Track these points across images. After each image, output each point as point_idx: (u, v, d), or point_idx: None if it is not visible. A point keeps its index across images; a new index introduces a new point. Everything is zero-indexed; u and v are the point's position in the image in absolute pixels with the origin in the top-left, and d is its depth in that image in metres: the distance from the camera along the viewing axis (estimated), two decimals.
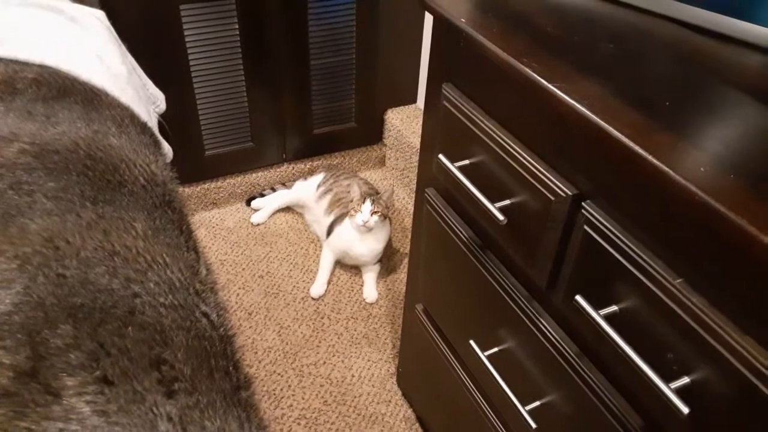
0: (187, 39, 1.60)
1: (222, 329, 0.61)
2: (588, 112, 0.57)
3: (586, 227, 0.62)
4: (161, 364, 0.51)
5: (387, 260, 1.74)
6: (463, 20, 0.74)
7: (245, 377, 0.59)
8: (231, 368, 0.58)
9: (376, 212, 1.56)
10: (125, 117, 0.85)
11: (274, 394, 1.39)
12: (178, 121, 1.69)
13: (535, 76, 0.63)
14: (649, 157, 0.51)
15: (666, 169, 0.50)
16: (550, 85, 0.61)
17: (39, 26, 0.96)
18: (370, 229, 1.58)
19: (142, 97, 1.07)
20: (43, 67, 0.85)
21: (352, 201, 1.60)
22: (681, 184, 0.49)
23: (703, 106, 0.58)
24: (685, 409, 0.52)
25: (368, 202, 1.56)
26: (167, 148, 1.10)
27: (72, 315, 0.51)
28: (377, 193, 1.69)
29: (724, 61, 0.66)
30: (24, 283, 0.52)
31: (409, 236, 1.36)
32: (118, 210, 0.64)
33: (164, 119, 1.22)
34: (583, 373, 0.69)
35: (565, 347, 0.71)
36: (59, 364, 0.47)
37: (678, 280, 0.53)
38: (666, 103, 0.58)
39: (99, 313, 0.52)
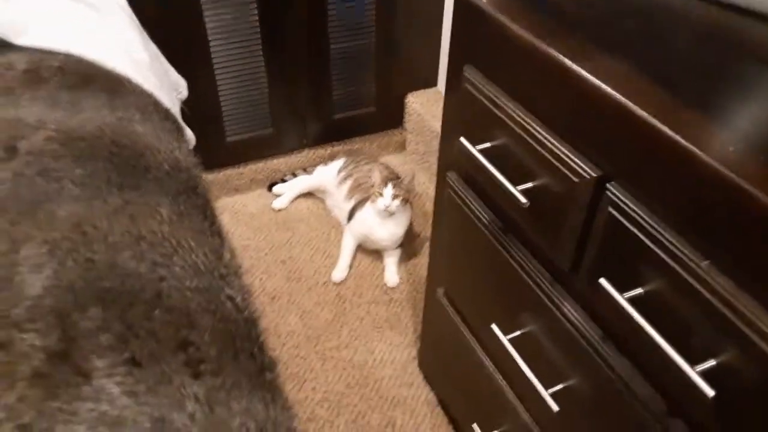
0: (207, 25, 1.60)
1: (246, 312, 0.61)
2: (612, 91, 0.56)
3: (610, 209, 0.61)
4: (188, 346, 0.52)
5: (408, 244, 1.74)
6: (485, 0, 0.73)
7: (269, 359, 0.60)
8: (256, 350, 0.59)
9: (397, 196, 1.56)
10: (149, 104, 0.86)
11: (297, 376, 1.40)
12: (200, 107, 1.70)
13: (558, 55, 0.62)
14: (676, 137, 0.50)
15: (693, 148, 0.49)
16: (573, 65, 0.60)
17: (61, 14, 0.97)
18: (392, 214, 1.58)
19: (165, 84, 1.08)
20: (67, 56, 0.86)
21: (373, 186, 1.60)
22: (709, 164, 0.48)
23: (731, 84, 0.57)
24: (711, 393, 0.52)
25: (390, 186, 1.56)
26: (190, 134, 1.11)
27: (101, 298, 0.52)
28: (398, 177, 1.69)
29: (752, 37, 0.64)
30: (54, 267, 0.53)
31: (430, 220, 1.36)
32: (143, 195, 0.65)
33: (186, 106, 1.23)
34: (606, 357, 0.68)
35: (589, 330, 0.71)
36: (89, 346, 0.48)
37: (705, 262, 0.53)
38: (692, 81, 0.57)
39: (127, 296, 0.53)
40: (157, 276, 0.56)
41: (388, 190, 1.56)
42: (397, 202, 1.56)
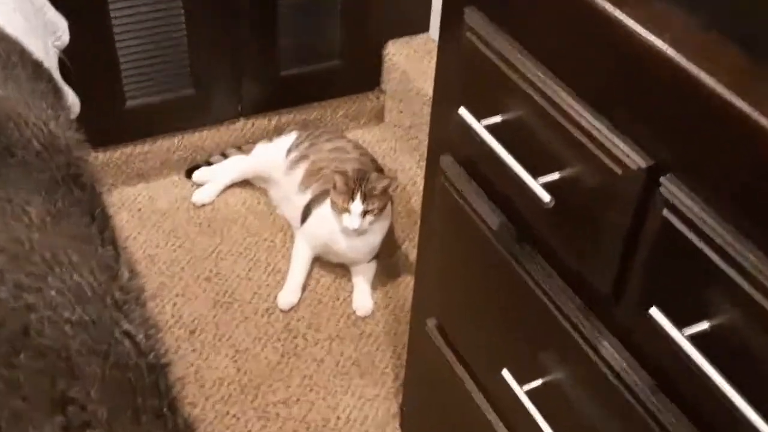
0: None
1: (152, 355, 0.61)
2: (670, 51, 0.57)
3: (665, 212, 0.63)
4: (67, 404, 0.52)
5: (386, 256, 1.75)
6: None
7: (185, 422, 0.60)
8: (165, 409, 0.59)
9: (370, 212, 1.55)
10: (12, 53, 0.85)
11: None
12: (88, 59, 1.69)
13: None
14: (756, 115, 0.52)
15: None
16: (617, 12, 0.61)
17: None
18: (362, 233, 1.58)
19: (37, 26, 1.07)
20: None
21: (335, 188, 1.58)
22: None
23: None
24: None
25: (358, 201, 1.54)
26: (72, 98, 1.10)
27: None
28: (373, 164, 1.69)
29: None
30: None
31: (418, 223, 1.37)
32: (3, 188, 0.65)
33: (67, 56, 1.22)
34: (656, 413, 0.70)
35: (635, 378, 0.72)
36: None
37: None
38: None
39: None
40: (22, 304, 0.56)
41: (357, 206, 1.54)
42: (370, 218, 1.55)
